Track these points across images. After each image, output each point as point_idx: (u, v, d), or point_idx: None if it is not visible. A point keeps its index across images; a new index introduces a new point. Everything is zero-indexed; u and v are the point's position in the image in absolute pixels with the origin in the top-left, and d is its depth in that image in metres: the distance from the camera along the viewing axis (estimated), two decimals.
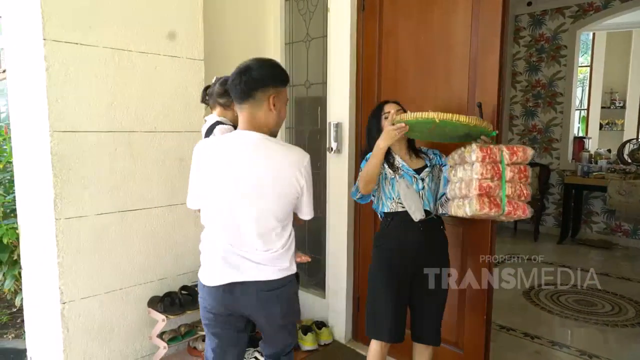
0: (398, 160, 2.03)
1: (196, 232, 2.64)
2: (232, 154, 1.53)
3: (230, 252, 1.56)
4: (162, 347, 2.32)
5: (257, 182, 1.52)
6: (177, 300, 2.36)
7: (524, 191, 1.79)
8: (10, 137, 2.91)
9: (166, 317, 2.29)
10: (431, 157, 2.10)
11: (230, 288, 1.57)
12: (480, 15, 2.25)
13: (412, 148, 2.09)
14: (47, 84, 2.05)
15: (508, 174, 1.78)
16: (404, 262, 1.97)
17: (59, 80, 2.08)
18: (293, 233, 1.67)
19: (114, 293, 2.33)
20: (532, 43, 5.82)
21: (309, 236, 3.23)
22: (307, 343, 2.71)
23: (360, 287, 2.86)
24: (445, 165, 2.04)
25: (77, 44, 2.13)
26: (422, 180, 2.01)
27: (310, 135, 3.22)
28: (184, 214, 2.58)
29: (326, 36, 2.92)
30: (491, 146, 1.81)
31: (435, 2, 2.43)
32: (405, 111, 2.01)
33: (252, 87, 1.52)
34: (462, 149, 1.86)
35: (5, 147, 3.27)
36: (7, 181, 2.89)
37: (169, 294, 2.39)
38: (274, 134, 1.62)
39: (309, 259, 1.81)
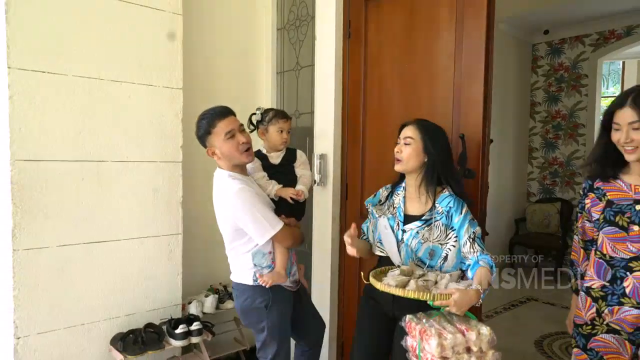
0: (398, 200, 1.80)
1: (169, 266, 2.54)
2: None
3: None
4: None
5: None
6: (139, 338, 2.23)
7: None
8: None
9: (124, 356, 2.16)
10: (439, 210, 1.69)
11: None
12: (464, 42, 2.11)
13: (431, 188, 1.71)
14: (9, 112, 2.02)
15: None
16: (384, 307, 1.76)
17: (22, 108, 2.05)
18: (248, 255, 1.91)
19: (74, 328, 2.22)
20: (550, 72, 5.60)
21: None
22: None
23: (345, 331, 2.67)
24: (459, 235, 1.66)
25: (44, 72, 2.10)
26: (404, 232, 1.73)
27: None
28: (156, 247, 2.48)
29: (314, 65, 2.83)
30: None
31: (420, 29, 2.31)
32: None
33: None
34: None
35: None
36: None
37: (132, 332, 2.27)
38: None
39: (268, 283, 1.87)
